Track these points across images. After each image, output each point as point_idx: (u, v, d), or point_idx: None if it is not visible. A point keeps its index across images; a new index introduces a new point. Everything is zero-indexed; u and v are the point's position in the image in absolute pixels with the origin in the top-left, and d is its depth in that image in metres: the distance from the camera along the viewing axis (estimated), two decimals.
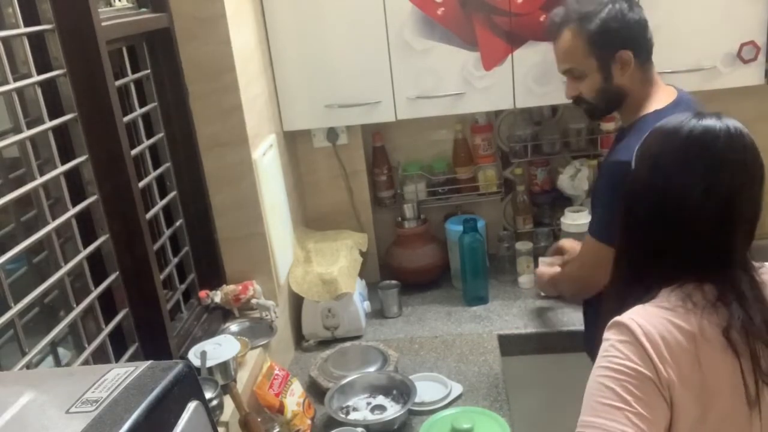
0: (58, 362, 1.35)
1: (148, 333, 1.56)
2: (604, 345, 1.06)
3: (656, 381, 1.00)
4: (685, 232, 1.09)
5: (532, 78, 2.21)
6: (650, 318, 1.05)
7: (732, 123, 1.16)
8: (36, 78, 1.27)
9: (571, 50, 1.68)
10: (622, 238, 1.18)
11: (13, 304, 1.15)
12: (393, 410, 1.80)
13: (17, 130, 1.23)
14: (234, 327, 1.95)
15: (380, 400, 1.86)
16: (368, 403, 1.86)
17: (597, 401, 1.00)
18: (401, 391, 1.86)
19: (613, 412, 0.98)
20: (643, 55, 1.66)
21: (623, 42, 1.64)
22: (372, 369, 1.99)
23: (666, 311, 1.06)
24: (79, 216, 1.37)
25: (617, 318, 1.07)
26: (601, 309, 1.21)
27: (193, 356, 1.62)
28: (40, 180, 1.26)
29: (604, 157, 1.76)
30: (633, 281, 1.14)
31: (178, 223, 1.90)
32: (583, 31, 1.65)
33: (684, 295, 1.08)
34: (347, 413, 1.82)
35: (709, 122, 1.14)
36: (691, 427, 1.03)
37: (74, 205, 1.37)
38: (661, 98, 1.67)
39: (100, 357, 1.40)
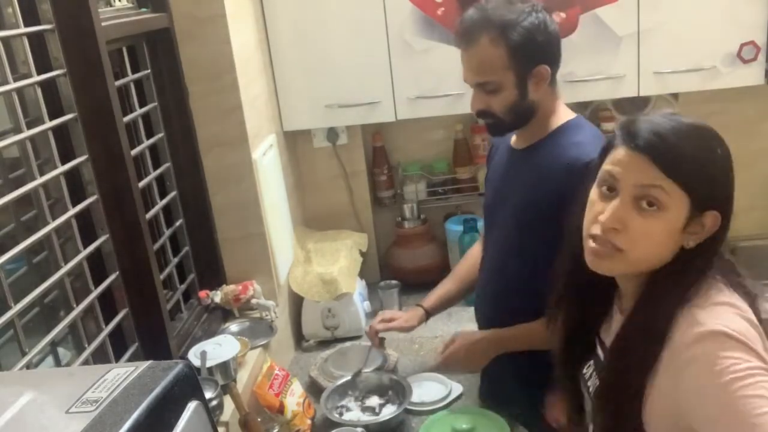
0: (58, 362, 1.35)
1: (148, 333, 1.56)
2: (705, 360, 0.96)
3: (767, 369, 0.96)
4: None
5: None
6: (723, 316, 0.99)
7: None
8: (36, 78, 1.27)
9: (489, 61, 1.50)
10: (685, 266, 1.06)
11: (13, 304, 1.15)
12: (388, 411, 1.80)
13: (17, 130, 1.23)
14: (234, 327, 1.95)
15: (374, 401, 1.86)
16: (360, 404, 1.86)
17: (754, 415, 0.91)
18: (397, 391, 1.85)
19: (765, 404, 0.91)
20: (555, 70, 1.55)
21: (543, 56, 1.51)
22: (372, 369, 1.98)
23: (726, 306, 1.01)
24: (79, 216, 1.37)
25: (699, 330, 0.97)
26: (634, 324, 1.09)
27: (193, 356, 1.62)
28: (40, 180, 1.26)
29: (535, 163, 1.57)
30: (671, 289, 1.05)
31: (178, 223, 1.90)
32: (504, 40, 1.48)
33: (719, 286, 1.04)
34: (341, 414, 1.82)
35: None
36: None
37: (74, 205, 1.37)
38: (566, 111, 1.60)
39: (100, 357, 1.40)
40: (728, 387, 0.93)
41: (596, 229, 1.05)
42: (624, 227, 1.03)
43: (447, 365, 1.70)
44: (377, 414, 1.80)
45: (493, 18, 1.50)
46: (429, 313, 1.88)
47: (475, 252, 1.93)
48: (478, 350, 1.65)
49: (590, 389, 1.18)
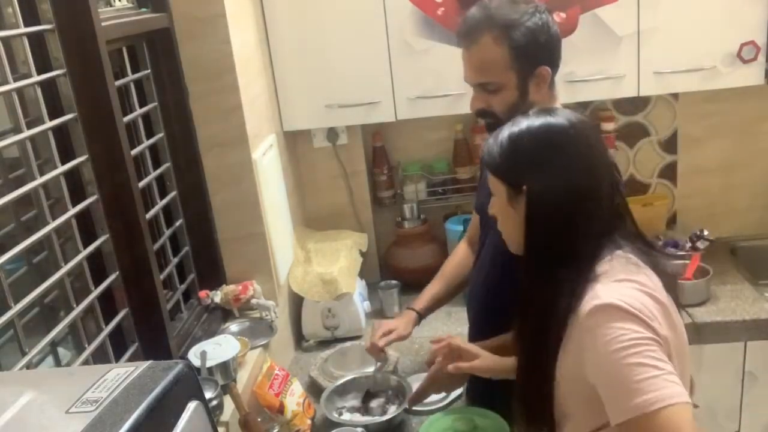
0: (58, 362, 1.35)
1: (148, 333, 1.56)
2: (597, 331, 1.06)
3: (660, 341, 1.05)
4: (598, 213, 1.18)
5: None
6: (619, 290, 1.09)
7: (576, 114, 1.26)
8: (36, 78, 1.27)
9: (491, 61, 1.50)
10: (535, 239, 1.20)
11: (13, 304, 1.15)
12: (388, 411, 1.79)
13: (17, 130, 1.23)
14: (234, 327, 1.95)
15: (374, 401, 1.85)
16: (360, 404, 1.86)
17: (634, 381, 1.01)
18: (397, 392, 1.85)
19: (656, 383, 1.00)
20: (555, 71, 1.55)
21: (545, 58, 1.51)
22: (372, 369, 1.98)
23: (625, 282, 1.11)
24: (79, 216, 1.37)
25: (595, 303, 1.08)
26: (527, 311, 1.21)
27: (193, 356, 1.62)
28: (40, 180, 1.25)
29: None
30: (562, 274, 1.15)
31: (178, 223, 1.90)
32: (507, 40, 1.47)
33: (623, 261, 1.15)
34: (341, 414, 1.82)
35: (569, 114, 1.23)
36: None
37: (74, 205, 1.37)
38: None
39: (100, 357, 1.40)
40: (614, 355, 1.03)
41: None
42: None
43: (432, 387, 1.68)
44: (377, 414, 1.79)
45: (496, 17, 1.49)
46: (421, 316, 1.88)
47: (461, 250, 1.93)
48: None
49: None
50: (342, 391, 1.89)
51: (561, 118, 1.20)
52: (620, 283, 1.11)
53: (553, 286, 1.15)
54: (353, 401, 1.88)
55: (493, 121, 1.57)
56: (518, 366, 1.26)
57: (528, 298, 1.21)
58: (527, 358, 1.23)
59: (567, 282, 1.13)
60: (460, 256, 1.93)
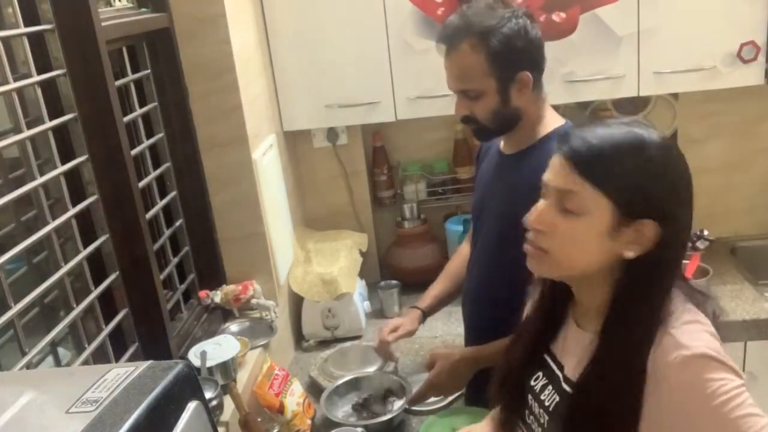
0: (58, 362, 1.35)
1: (148, 333, 1.56)
2: (694, 385, 0.96)
3: (745, 384, 0.98)
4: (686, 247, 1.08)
5: None
6: (699, 336, 0.99)
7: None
8: (36, 78, 1.27)
9: (470, 68, 1.49)
10: (634, 283, 1.04)
11: (13, 304, 1.15)
12: (387, 411, 1.80)
13: (17, 130, 1.23)
14: (234, 327, 1.95)
15: (374, 401, 1.86)
16: (361, 405, 1.86)
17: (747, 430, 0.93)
18: (397, 392, 1.85)
19: (757, 421, 0.94)
20: (538, 75, 1.53)
21: (525, 62, 1.49)
22: (372, 369, 1.99)
23: (696, 324, 1.01)
24: (79, 216, 1.37)
25: (683, 353, 0.97)
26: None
27: (193, 356, 1.62)
28: (40, 180, 1.26)
29: (521, 172, 1.53)
30: (647, 320, 1.03)
31: (178, 223, 1.90)
32: (484, 47, 1.47)
33: (680, 305, 1.04)
34: (342, 414, 1.82)
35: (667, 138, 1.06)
36: None
37: (74, 205, 1.37)
38: (554, 117, 1.58)
39: (100, 357, 1.40)
40: (721, 409, 0.94)
41: (528, 233, 1.08)
42: (548, 229, 1.05)
43: (432, 390, 1.69)
44: (377, 414, 1.80)
45: (472, 25, 1.49)
46: (426, 314, 1.89)
47: (464, 250, 1.94)
48: (460, 370, 1.65)
49: (546, 404, 1.15)
50: (342, 391, 1.89)
51: (653, 132, 1.03)
52: (692, 326, 1.00)
53: (638, 330, 1.01)
54: (353, 401, 1.88)
55: (477, 127, 1.58)
56: (577, 406, 1.09)
57: (610, 348, 1.04)
58: (615, 417, 1.04)
59: (645, 324, 1.01)
60: (462, 256, 1.93)
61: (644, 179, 1.01)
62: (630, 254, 1.02)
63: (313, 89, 2.27)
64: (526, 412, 1.21)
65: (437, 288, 1.91)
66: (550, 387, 1.16)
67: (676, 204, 1.03)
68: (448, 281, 1.91)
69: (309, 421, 1.79)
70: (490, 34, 1.47)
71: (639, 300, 1.03)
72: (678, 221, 1.03)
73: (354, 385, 1.91)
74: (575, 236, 1.03)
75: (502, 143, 1.65)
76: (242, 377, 1.71)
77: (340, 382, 1.90)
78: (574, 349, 1.13)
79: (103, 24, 1.42)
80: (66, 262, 1.31)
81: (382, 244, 2.68)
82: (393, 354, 1.87)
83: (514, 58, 1.48)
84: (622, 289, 1.05)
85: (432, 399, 1.81)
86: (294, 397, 1.78)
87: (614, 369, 1.03)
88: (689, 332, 0.99)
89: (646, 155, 1.01)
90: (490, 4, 1.52)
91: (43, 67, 1.31)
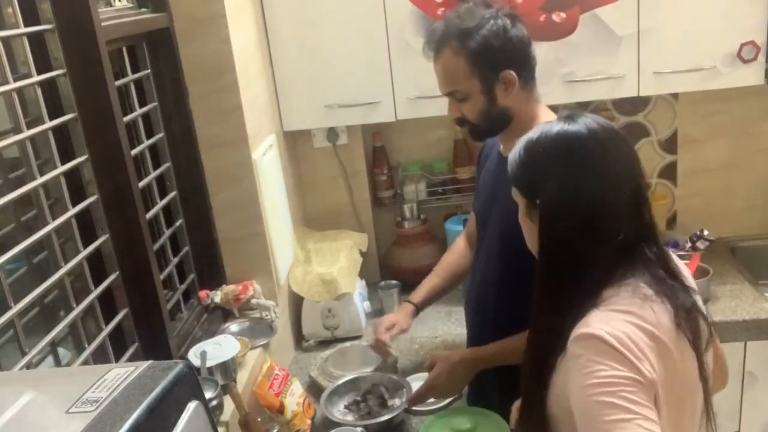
0: (58, 362, 1.35)
1: (148, 333, 1.56)
2: (579, 361, 1.02)
3: (644, 382, 0.99)
4: (615, 230, 1.10)
5: None
6: (612, 323, 1.03)
7: (602, 119, 1.17)
8: (36, 78, 1.27)
9: (453, 71, 1.54)
10: (547, 256, 1.15)
11: (13, 304, 1.15)
12: (387, 411, 1.79)
13: (17, 130, 1.23)
14: (234, 327, 1.95)
15: (373, 401, 1.85)
16: (358, 403, 1.85)
17: (603, 421, 0.96)
18: (397, 391, 1.85)
19: (626, 427, 0.95)
20: (526, 74, 1.55)
21: (506, 61, 1.51)
22: (371, 369, 1.98)
23: (624, 314, 1.05)
24: (79, 216, 1.37)
25: (582, 330, 1.03)
26: (534, 335, 1.18)
27: (193, 356, 1.62)
28: (40, 180, 1.26)
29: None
30: (569, 294, 1.10)
31: (178, 223, 1.90)
32: (464, 49, 1.51)
33: (631, 290, 1.08)
34: (342, 414, 1.82)
35: (590, 121, 1.14)
36: (668, 419, 1.04)
37: (74, 205, 1.37)
38: (550, 117, 1.55)
39: (100, 357, 1.40)
40: (588, 390, 0.99)
41: None
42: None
43: (431, 392, 1.69)
44: (377, 414, 1.79)
45: (452, 29, 1.53)
46: (419, 308, 1.90)
47: (460, 245, 1.96)
48: (459, 372, 1.65)
49: None
50: (342, 390, 1.89)
51: (579, 125, 1.12)
52: (617, 314, 1.05)
53: (560, 307, 1.10)
54: (353, 401, 1.88)
55: (469, 127, 1.61)
56: (521, 386, 1.22)
57: (537, 316, 1.17)
58: (529, 378, 1.19)
59: (573, 304, 1.09)
60: (458, 251, 1.95)
61: (529, 162, 1.15)
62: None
63: (313, 89, 2.27)
64: None
65: (431, 282, 1.93)
66: None
67: (547, 181, 1.12)
68: (442, 276, 1.93)
69: (309, 421, 1.79)
70: (469, 36, 1.50)
71: (561, 279, 1.12)
72: (552, 198, 1.11)
73: (354, 384, 1.91)
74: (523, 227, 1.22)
75: (501, 146, 1.66)
76: (242, 377, 1.71)
77: (341, 381, 1.90)
78: None
79: (103, 24, 1.42)
80: (66, 262, 1.31)
81: (382, 244, 2.68)
82: (390, 351, 1.87)
83: (494, 58, 1.51)
84: (546, 269, 1.16)
85: (431, 399, 1.81)
86: (294, 397, 1.78)
87: (541, 341, 1.15)
88: (605, 316, 1.05)
89: (530, 145, 1.15)
90: (471, 8, 1.55)
91: (43, 67, 1.31)
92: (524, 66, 1.55)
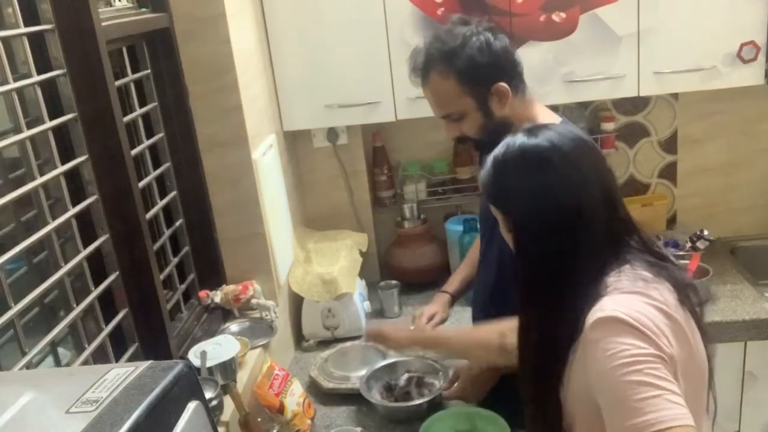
0: (58, 362, 1.35)
1: (148, 333, 1.56)
2: (600, 345, 1.03)
3: (665, 358, 1.01)
4: (591, 232, 1.12)
5: (532, 78, 2.17)
6: (626, 303, 1.05)
7: (566, 129, 1.20)
8: (36, 78, 1.27)
9: (444, 94, 1.55)
10: (531, 269, 1.16)
11: (13, 304, 1.15)
12: (417, 398, 1.83)
13: (17, 130, 1.23)
14: (234, 327, 1.95)
15: (410, 384, 1.90)
16: (395, 387, 1.89)
17: (634, 399, 0.97)
18: (433, 375, 1.91)
19: (656, 403, 0.96)
20: (517, 81, 1.56)
21: (496, 74, 1.52)
22: (372, 368, 1.98)
23: (634, 294, 1.07)
24: (79, 216, 1.37)
25: (599, 315, 1.04)
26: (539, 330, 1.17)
27: (193, 356, 1.62)
28: (40, 180, 1.26)
29: None
30: (569, 295, 1.11)
31: (178, 223, 1.90)
32: (451, 71, 1.51)
33: (632, 276, 1.10)
34: (369, 389, 1.87)
35: (551, 134, 1.16)
36: (685, 394, 1.04)
37: (74, 205, 1.37)
38: (547, 116, 1.59)
39: (100, 357, 1.40)
40: (615, 371, 1.00)
41: None
42: None
43: (458, 399, 1.78)
44: (414, 397, 1.84)
45: (434, 52, 1.53)
46: (454, 298, 1.96)
47: None
48: (482, 381, 1.72)
49: None
50: (378, 375, 1.94)
51: (540, 138, 1.15)
52: (628, 295, 1.07)
53: (554, 313, 1.12)
54: (386, 384, 1.92)
55: (473, 143, 1.63)
56: (524, 387, 1.22)
57: (526, 325, 1.18)
58: (536, 381, 1.19)
59: (570, 305, 1.10)
60: None
61: (496, 181, 1.19)
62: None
63: (313, 89, 2.27)
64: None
65: (462, 273, 1.99)
66: None
67: (514, 196, 1.16)
68: (471, 266, 1.96)
69: (309, 421, 1.79)
70: (454, 56, 1.51)
71: (547, 287, 1.14)
72: (523, 210, 1.14)
73: (390, 368, 1.96)
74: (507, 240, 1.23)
75: None
76: (242, 377, 1.71)
77: (377, 366, 1.95)
78: None
79: (103, 24, 1.42)
80: (66, 262, 1.31)
81: (382, 244, 2.68)
82: None
83: (483, 74, 1.51)
84: (526, 281, 1.17)
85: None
86: (294, 397, 1.78)
87: (537, 350, 1.17)
88: (618, 299, 1.06)
89: (497, 161, 1.18)
90: (449, 28, 1.55)
91: (43, 67, 1.31)
92: (513, 74, 1.55)
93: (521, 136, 1.17)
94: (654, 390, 0.97)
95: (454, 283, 1.98)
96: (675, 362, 1.03)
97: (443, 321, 1.90)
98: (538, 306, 1.16)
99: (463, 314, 2.31)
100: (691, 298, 1.13)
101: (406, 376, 1.92)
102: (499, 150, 1.19)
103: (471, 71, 1.50)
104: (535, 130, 1.17)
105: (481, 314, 1.78)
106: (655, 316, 1.04)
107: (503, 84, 1.52)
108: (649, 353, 1.00)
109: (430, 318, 1.87)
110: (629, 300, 1.06)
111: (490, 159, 1.20)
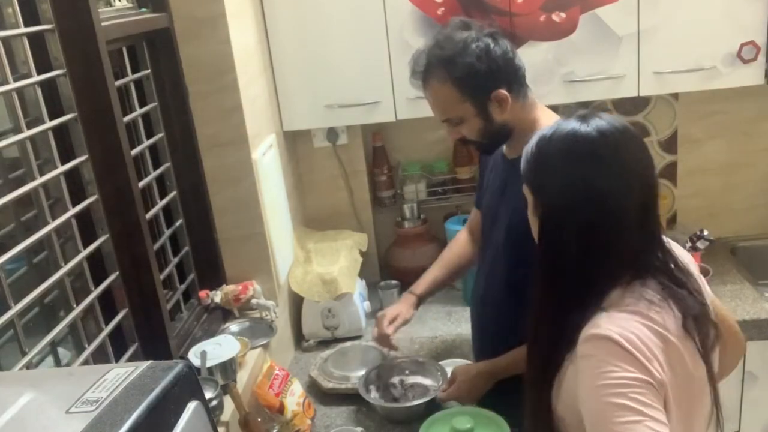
0: (58, 362, 1.35)
1: (148, 333, 1.56)
2: (590, 362, 1.02)
3: (654, 384, 1.00)
4: (620, 236, 1.09)
5: (532, 78, 2.18)
6: (623, 323, 1.03)
7: (617, 121, 1.14)
8: (36, 78, 1.27)
9: (443, 100, 1.54)
10: (551, 258, 1.14)
11: (13, 304, 1.15)
12: (417, 399, 1.82)
13: (17, 130, 1.23)
14: (234, 327, 1.95)
15: (414, 382, 1.90)
16: (392, 387, 1.89)
17: (613, 422, 0.96)
18: (429, 374, 1.91)
19: (635, 429, 0.95)
20: (517, 86, 1.54)
21: (495, 81, 1.50)
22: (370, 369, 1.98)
23: (632, 314, 1.05)
24: (79, 216, 1.37)
25: (593, 331, 1.03)
26: (535, 336, 1.17)
27: (193, 356, 1.62)
28: (40, 180, 1.26)
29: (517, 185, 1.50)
30: (574, 296, 1.10)
31: (178, 223, 1.90)
32: (450, 77, 1.50)
33: (637, 294, 1.07)
34: (368, 390, 1.86)
35: (603, 123, 1.11)
36: (678, 421, 1.04)
37: (74, 205, 1.37)
38: (549, 117, 1.58)
39: (100, 357, 1.40)
40: (600, 391, 0.99)
41: None
42: None
43: (454, 400, 1.77)
44: (406, 399, 1.84)
45: (433, 59, 1.52)
46: (420, 299, 1.92)
47: (461, 238, 1.98)
48: (479, 384, 1.70)
49: None
50: (372, 378, 1.93)
51: (591, 126, 1.09)
52: (626, 315, 1.04)
53: (562, 313, 1.10)
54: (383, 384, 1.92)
55: (475, 145, 1.63)
56: (525, 386, 1.21)
57: (537, 323, 1.16)
58: (534, 381, 1.19)
59: (575, 309, 1.08)
60: (459, 244, 1.97)
61: (537, 162, 1.15)
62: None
63: (313, 89, 2.27)
64: None
65: (432, 274, 1.96)
66: None
67: (551, 180, 1.12)
68: (443, 268, 1.95)
69: (309, 421, 1.79)
70: (453, 64, 1.49)
71: (561, 283, 1.12)
72: (556, 197, 1.11)
73: (383, 369, 1.95)
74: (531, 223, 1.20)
75: (505, 147, 1.67)
76: (242, 377, 1.71)
77: (371, 369, 1.94)
78: None
79: (103, 24, 1.42)
80: (66, 262, 1.31)
81: (382, 244, 2.68)
82: (394, 344, 1.90)
83: (482, 82, 1.50)
84: (545, 270, 1.15)
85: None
86: (294, 397, 1.78)
87: (544, 349, 1.15)
88: (615, 318, 1.04)
89: (543, 142, 1.14)
90: (449, 33, 1.54)
91: (43, 67, 1.31)
92: (514, 80, 1.54)
93: (574, 120, 1.12)
94: (635, 415, 0.96)
95: (422, 284, 1.93)
96: (665, 388, 1.01)
97: (405, 322, 1.88)
98: (549, 305, 1.14)
99: (464, 314, 2.32)
100: (698, 327, 1.08)
101: (404, 376, 1.92)
102: (548, 130, 1.14)
103: (470, 78, 1.49)
104: (588, 117, 1.12)
105: (480, 308, 1.78)
106: (649, 339, 1.02)
107: (503, 91, 1.51)
108: (637, 378, 0.98)
109: (393, 319, 1.86)
110: (626, 320, 1.04)
111: (536, 136, 1.16)
